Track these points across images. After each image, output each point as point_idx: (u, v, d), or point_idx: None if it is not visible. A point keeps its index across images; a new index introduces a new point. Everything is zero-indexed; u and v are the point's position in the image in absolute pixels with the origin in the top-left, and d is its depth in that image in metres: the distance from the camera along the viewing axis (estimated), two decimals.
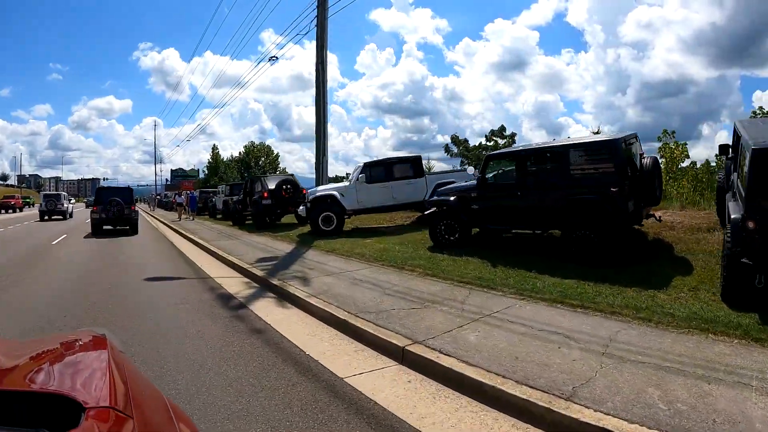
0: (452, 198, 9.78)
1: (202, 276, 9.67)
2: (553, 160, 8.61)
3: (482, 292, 6.50)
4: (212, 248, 13.02)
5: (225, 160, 56.10)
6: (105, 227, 19.35)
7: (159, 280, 9.03)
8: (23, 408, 1.15)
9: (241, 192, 23.14)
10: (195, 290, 8.23)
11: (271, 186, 18.24)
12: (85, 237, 18.83)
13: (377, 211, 15.63)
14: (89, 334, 1.88)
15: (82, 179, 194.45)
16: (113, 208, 18.82)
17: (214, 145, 59.73)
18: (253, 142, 54.71)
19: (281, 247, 12.72)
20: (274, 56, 20.58)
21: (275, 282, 8.00)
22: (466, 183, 10.60)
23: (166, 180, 77.32)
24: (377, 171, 14.95)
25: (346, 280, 7.91)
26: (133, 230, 19.58)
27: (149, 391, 1.54)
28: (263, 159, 54.18)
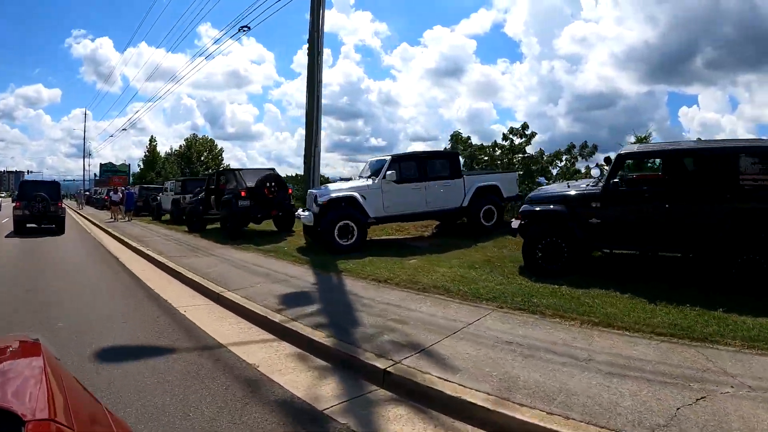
0: (560, 208, 7.19)
1: (200, 340, 5.30)
2: (720, 164, 6.50)
3: (711, 349, 4.24)
4: (185, 273, 8.78)
5: (164, 154, 50.19)
6: (29, 225, 17.48)
7: (123, 359, 4.59)
8: None
9: (201, 189, 18.77)
10: (221, 400, 3.73)
11: (250, 183, 14.07)
12: (6, 236, 16.56)
13: (405, 220, 12.03)
14: (21, 339, 1.77)
15: (4, 171, 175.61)
16: (38, 204, 17.02)
17: (152, 137, 53.62)
18: (195, 135, 49.10)
19: (290, 271, 8.72)
20: (245, 26, 16.39)
21: (373, 362, 4.15)
22: (571, 188, 7.70)
23: (95, 175, 69.12)
24: (408, 167, 11.26)
25: (487, 344, 4.45)
26: (60, 229, 17.79)
27: (88, 401, 1.48)
28: (206, 154, 48.76)
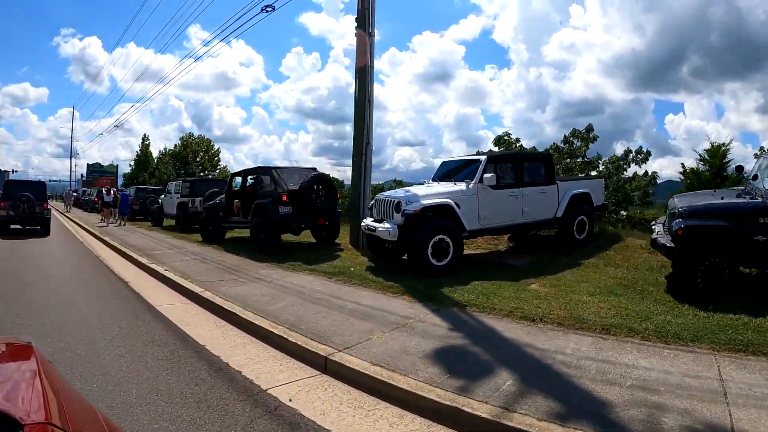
0: (727, 223, 6.09)
1: None
2: None
3: None
4: (243, 314, 5.91)
5: (157, 154, 46.61)
6: (13, 226, 16.83)
7: None
8: None
9: (215, 192, 15.74)
10: None
11: (292, 185, 11.17)
12: None
13: (499, 233, 9.89)
14: (13, 342, 1.77)
15: None
16: (23, 205, 16.36)
17: (144, 135, 49.83)
18: (191, 134, 45.56)
19: (393, 307, 6.01)
20: (268, 6, 13.45)
21: None
22: (725, 199, 6.43)
23: (82, 175, 65.35)
24: (504, 170, 9.12)
25: None
26: (45, 231, 17.23)
27: (81, 405, 1.46)
28: (202, 154, 45.43)
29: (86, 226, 20.32)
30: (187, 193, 17.91)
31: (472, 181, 8.55)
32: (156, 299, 7.20)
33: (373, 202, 9.37)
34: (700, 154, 15.46)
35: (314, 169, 12.90)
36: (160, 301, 7.11)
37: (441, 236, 7.79)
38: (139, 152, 47.26)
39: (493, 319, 5.40)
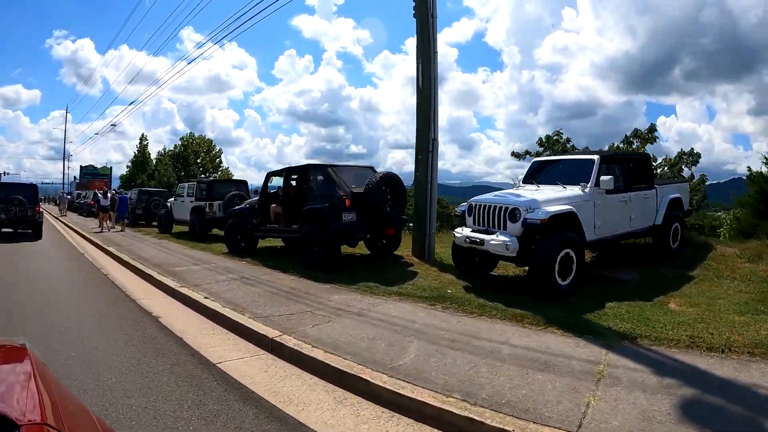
0: None
1: None
2: None
3: None
4: (381, 382, 3.68)
5: (157, 154, 44.10)
6: (4, 230, 16.17)
7: None
8: None
9: (241, 194, 13.52)
10: None
11: (356, 186, 9.08)
12: None
13: (610, 244, 8.56)
14: (7, 343, 1.74)
15: None
16: (15, 208, 15.82)
17: (143, 135, 47.14)
18: (192, 134, 43.08)
19: (554, 346, 4.17)
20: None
21: None
22: None
23: (75, 178, 62.59)
24: (615, 172, 7.92)
25: None
26: (37, 235, 16.60)
27: (76, 406, 1.45)
28: (203, 155, 42.98)
29: (86, 235, 17.87)
30: (204, 196, 15.61)
31: (586, 184, 7.29)
32: (214, 352, 4.88)
33: (465, 207, 7.79)
34: (766, 157, 14.40)
35: (371, 168, 10.72)
36: (222, 354, 4.80)
37: (567, 250, 6.50)
38: (137, 153, 44.76)
39: (682, 354, 4.37)
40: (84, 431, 1.29)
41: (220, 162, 44.09)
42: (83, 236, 17.54)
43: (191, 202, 16.10)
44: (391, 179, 9.37)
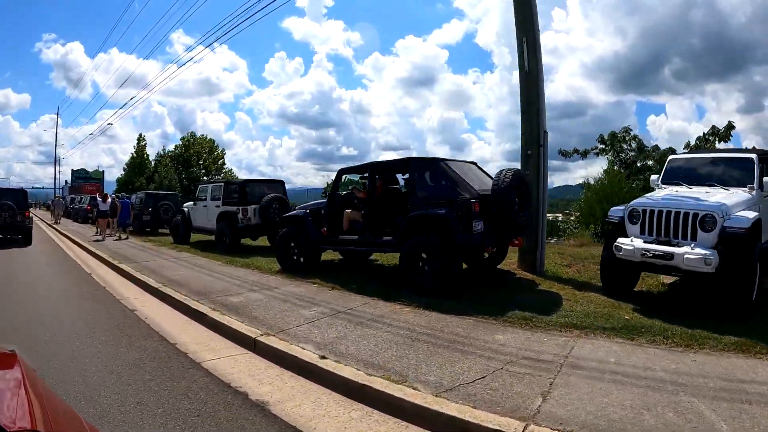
0: None
1: None
2: None
3: None
4: None
5: (156, 155, 40.89)
6: None
7: None
8: None
9: (279, 198, 10.86)
10: None
11: (478, 187, 7.05)
12: None
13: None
14: None
15: None
16: (4, 214, 14.97)
17: (140, 135, 43.75)
18: (193, 134, 40.01)
19: None
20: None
21: None
22: None
23: (66, 182, 59.32)
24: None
25: None
26: (27, 240, 15.71)
27: (66, 412, 1.46)
28: (205, 156, 39.92)
29: (88, 246, 14.88)
30: (234, 200, 12.75)
31: (752, 185, 6.38)
32: None
33: (622, 212, 6.37)
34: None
35: (476, 163, 8.20)
36: None
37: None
38: (134, 154, 41.49)
39: None
40: None
41: (224, 163, 41.12)
42: (84, 248, 14.56)
43: (217, 206, 13.24)
44: (520, 179, 7.12)
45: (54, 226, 25.26)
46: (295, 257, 9.06)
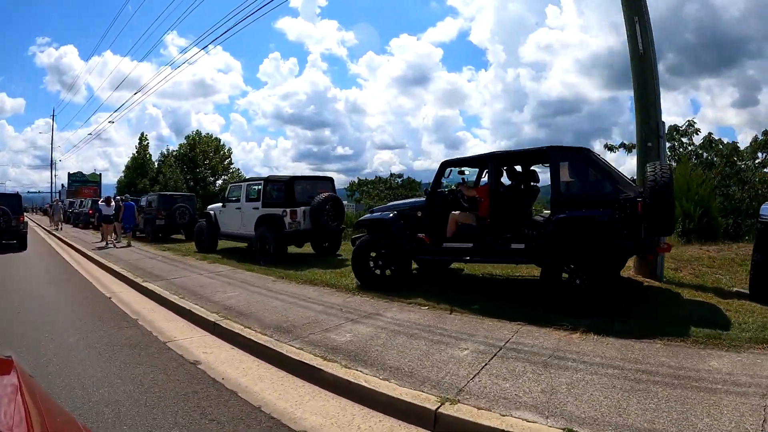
0: None
1: None
2: None
3: None
4: None
5: (159, 156, 38.51)
6: None
7: None
8: None
9: (324, 198, 9.38)
10: None
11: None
12: None
13: None
14: None
15: None
16: None
17: (142, 134, 41.05)
18: (198, 132, 37.71)
19: None
20: None
21: None
22: None
23: (63, 185, 57.22)
24: None
25: None
26: (22, 246, 15.53)
27: (64, 418, 1.46)
28: (212, 155, 37.64)
29: (99, 258, 12.74)
30: (280, 200, 10.67)
31: None
32: None
33: None
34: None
35: (586, 149, 6.32)
36: None
37: None
38: (136, 154, 39.15)
39: None
40: None
41: (230, 163, 38.84)
42: (95, 261, 12.41)
43: (256, 209, 11.12)
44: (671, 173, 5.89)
45: (54, 233, 22.99)
46: (378, 270, 7.08)
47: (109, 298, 7.95)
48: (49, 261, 13.29)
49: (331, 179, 12.02)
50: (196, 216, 17.12)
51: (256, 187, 11.47)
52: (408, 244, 6.77)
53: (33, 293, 8.30)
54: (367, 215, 8.01)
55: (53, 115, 66.18)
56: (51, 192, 52.07)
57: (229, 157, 38.96)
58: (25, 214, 17.27)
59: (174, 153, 37.06)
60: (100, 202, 21.22)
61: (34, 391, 1.36)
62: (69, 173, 60.93)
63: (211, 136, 38.96)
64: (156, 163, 38.59)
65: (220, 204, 13.00)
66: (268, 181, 11.22)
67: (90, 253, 13.44)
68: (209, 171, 36.08)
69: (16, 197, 16.38)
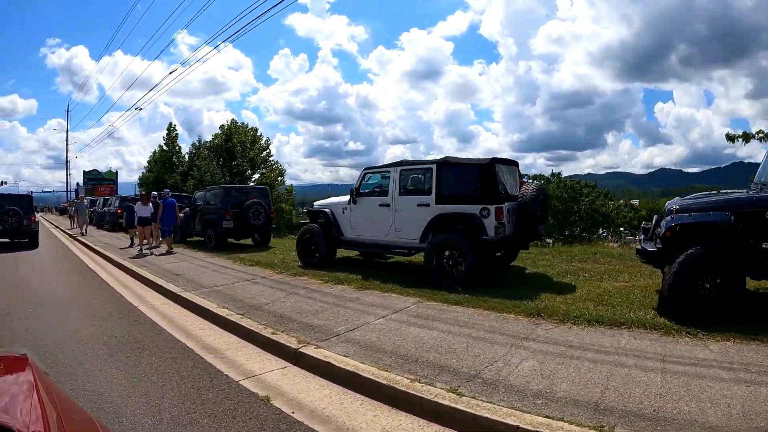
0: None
1: None
2: None
3: None
4: None
5: (192, 146, 34.62)
6: (1, 240, 15.51)
7: None
8: None
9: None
10: None
11: None
12: None
13: None
14: (8, 354, 1.74)
15: None
16: (11, 219, 15.52)
17: (170, 124, 37.37)
18: (234, 121, 33.91)
19: None
20: None
21: None
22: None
23: (78, 184, 54.49)
24: None
25: None
26: (33, 243, 16.26)
27: (80, 415, 1.47)
28: (249, 146, 33.80)
29: (193, 298, 8.95)
30: (476, 194, 6.78)
31: None
32: None
33: None
34: None
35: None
36: None
37: None
38: (164, 146, 35.40)
39: None
40: None
41: (269, 154, 34.96)
42: (158, 287, 8.57)
43: (424, 205, 7.24)
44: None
45: (78, 238, 19.11)
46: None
47: (258, 396, 4.02)
48: (97, 290, 9.53)
49: (517, 162, 8.08)
50: (271, 215, 13.35)
51: (421, 175, 7.54)
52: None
53: (87, 365, 4.42)
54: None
55: (67, 111, 63.23)
56: (66, 191, 49.22)
57: (267, 148, 35.13)
58: (37, 213, 18.77)
59: (206, 144, 33.29)
60: (132, 202, 17.72)
61: (50, 389, 1.35)
62: (84, 171, 58.23)
63: (246, 126, 35.21)
64: (186, 156, 34.85)
65: (343, 199, 9.10)
66: (447, 164, 7.28)
67: (150, 276, 9.64)
68: (247, 163, 32.21)
69: (27, 198, 17.23)
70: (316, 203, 10.25)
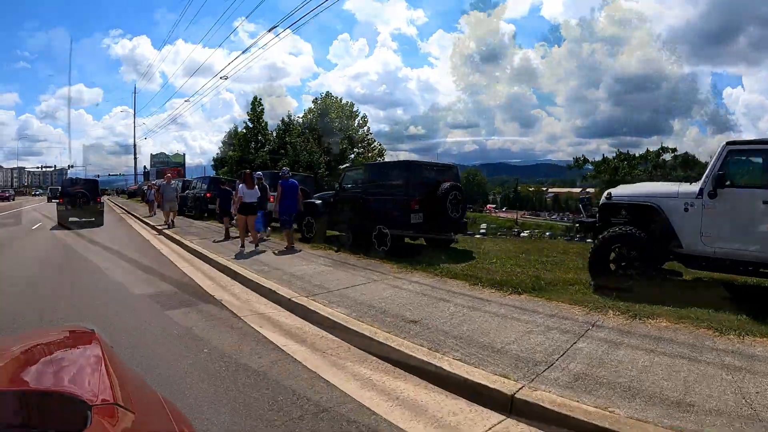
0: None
1: None
2: None
3: None
4: None
5: (281, 122, 30.99)
6: (71, 219, 17.48)
7: None
8: (24, 408, 1.06)
9: None
10: None
11: None
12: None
13: None
14: (77, 329, 1.82)
15: (46, 168, 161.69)
16: (79, 200, 17.44)
17: (255, 98, 33.48)
18: (329, 93, 30.30)
19: None
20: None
21: None
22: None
23: (144, 167, 53.91)
24: None
25: None
26: (99, 222, 17.73)
27: (143, 387, 1.54)
28: (345, 122, 29.93)
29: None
30: None
31: None
32: None
33: None
34: None
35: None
36: None
37: None
38: (250, 123, 32.01)
39: None
40: (152, 411, 1.32)
41: (369, 132, 30.90)
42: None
43: None
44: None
45: (165, 232, 14.41)
46: None
47: None
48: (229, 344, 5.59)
49: None
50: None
51: None
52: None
53: None
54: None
55: (134, 93, 63.49)
56: (135, 174, 48.63)
57: (366, 124, 31.19)
58: (102, 196, 22.02)
59: (299, 118, 29.74)
60: (229, 185, 14.17)
61: (115, 362, 1.40)
62: (151, 154, 57.37)
63: (340, 100, 31.41)
64: (273, 133, 31.41)
65: (676, 189, 4.91)
66: None
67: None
68: (347, 140, 28.34)
69: (93, 182, 19.55)
70: (616, 191, 6.03)
